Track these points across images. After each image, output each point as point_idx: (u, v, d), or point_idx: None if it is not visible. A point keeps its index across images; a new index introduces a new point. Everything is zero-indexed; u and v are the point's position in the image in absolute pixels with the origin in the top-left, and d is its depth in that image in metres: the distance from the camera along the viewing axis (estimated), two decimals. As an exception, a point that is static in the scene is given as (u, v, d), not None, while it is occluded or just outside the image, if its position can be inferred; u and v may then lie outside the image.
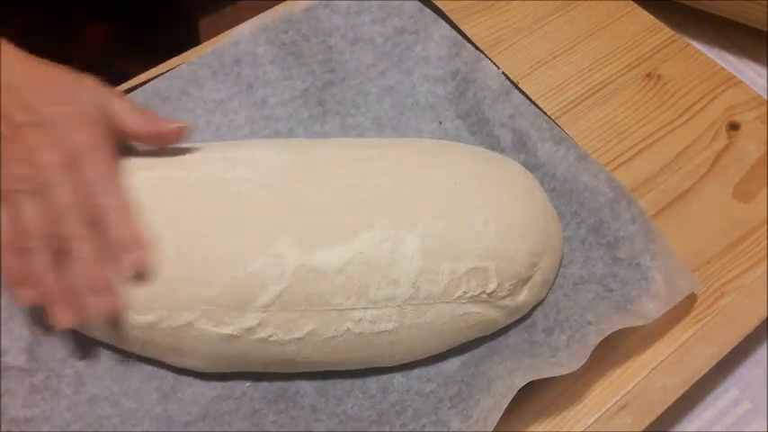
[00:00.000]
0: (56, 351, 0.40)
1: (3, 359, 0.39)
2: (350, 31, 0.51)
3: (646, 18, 0.55)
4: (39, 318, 0.40)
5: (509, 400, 0.36)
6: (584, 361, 0.37)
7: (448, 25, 0.51)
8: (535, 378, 0.36)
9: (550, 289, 0.42)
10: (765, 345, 0.44)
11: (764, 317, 0.41)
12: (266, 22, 0.50)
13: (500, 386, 0.37)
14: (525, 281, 0.39)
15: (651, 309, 0.39)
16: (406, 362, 0.39)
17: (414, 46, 0.51)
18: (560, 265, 0.42)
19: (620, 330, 0.41)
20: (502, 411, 0.36)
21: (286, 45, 0.50)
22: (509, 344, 0.40)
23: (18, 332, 0.40)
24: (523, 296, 0.39)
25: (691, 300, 0.42)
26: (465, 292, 0.38)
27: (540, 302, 0.41)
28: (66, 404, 0.38)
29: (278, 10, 0.51)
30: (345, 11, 0.51)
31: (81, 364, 0.40)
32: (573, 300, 0.41)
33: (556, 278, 0.42)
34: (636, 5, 0.56)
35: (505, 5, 0.55)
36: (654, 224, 0.42)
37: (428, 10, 0.51)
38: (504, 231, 0.39)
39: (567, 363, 0.37)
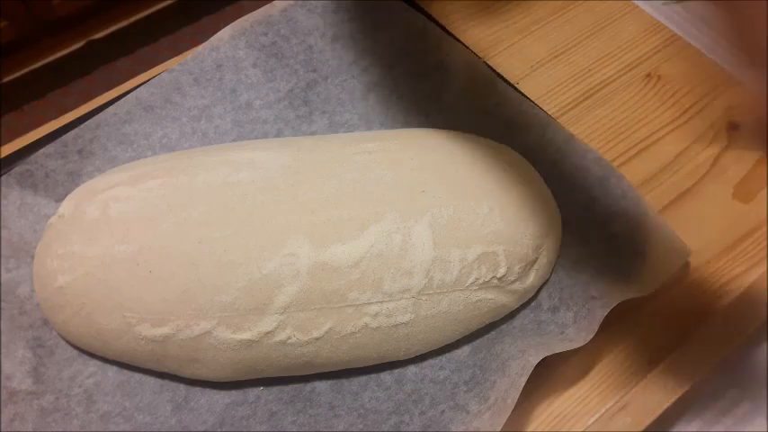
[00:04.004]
0: (61, 371, 0.39)
1: (8, 384, 0.38)
2: (328, 30, 0.51)
3: (646, 18, 0.55)
4: (41, 339, 0.40)
5: (525, 379, 0.37)
6: (593, 335, 0.38)
7: (426, 19, 0.51)
8: (548, 354, 0.37)
9: (553, 269, 0.43)
10: (765, 345, 0.44)
11: (764, 317, 0.42)
12: (244, 25, 0.50)
13: (514, 366, 0.38)
14: (532, 263, 0.40)
15: (650, 279, 0.41)
16: (420, 353, 0.40)
17: (394, 41, 0.51)
18: (560, 245, 0.43)
19: (619, 329, 0.41)
20: (520, 390, 0.37)
21: (266, 47, 0.50)
22: (517, 326, 0.41)
23: (21, 355, 0.39)
24: (531, 279, 0.40)
25: (690, 297, 0.43)
26: (477, 279, 0.38)
27: (544, 283, 0.42)
28: (78, 424, 0.38)
29: (255, 13, 0.51)
30: (322, 10, 0.51)
31: (89, 383, 0.39)
32: (574, 278, 0.42)
33: (558, 258, 0.43)
34: (636, 5, 0.56)
35: (505, 6, 0.55)
36: (644, 198, 0.43)
37: (405, 4, 0.52)
38: (508, 216, 0.40)
39: (576, 338, 0.39)
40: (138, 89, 0.48)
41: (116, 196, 0.40)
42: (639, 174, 0.47)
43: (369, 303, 0.37)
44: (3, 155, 0.46)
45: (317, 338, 0.37)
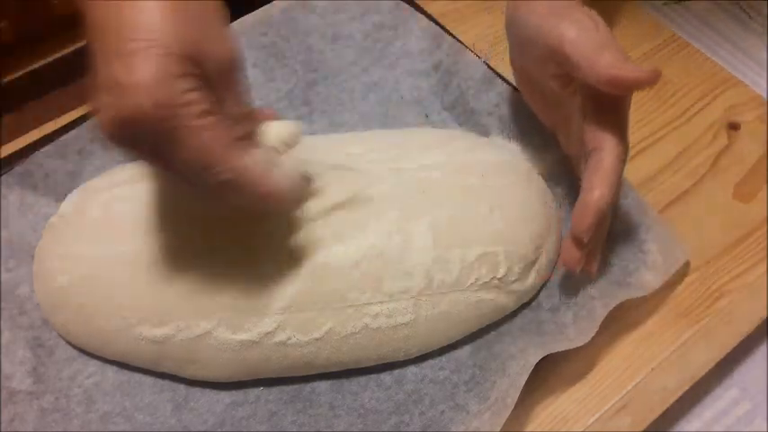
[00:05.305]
0: (61, 371, 0.39)
1: (8, 384, 0.38)
2: (329, 30, 0.51)
3: (646, 18, 0.55)
4: (41, 339, 0.40)
5: (525, 378, 0.37)
6: (593, 335, 0.38)
7: (426, 18, 0.51)
8: (548, 353, 0.38)
9: (554, 270, 0.43)
10: (765, 345, 0.44)
11: (764, 317, 0.42)
12: (244, 25, 0.50)
13: (514, 365, 0.38)
14: (532, 264, 0.40)
15: (650, 279, 0.41)
16: (420, 354, 0.40)
17: (394, 41, 0.51)
18: (560, 245, 0.43)
19: (620, 329, 0.41)
20: (519, 390, 0.37)
21: (266, 47, 0.50)
22: (517, 326, 0.41)
23: (21, 355, 0.39)
24: (531, 279, 0.40)
25: (690, 297, 0.43)
26: (477, 279, 0.38)
27: (545, 283, 0.42)
28: (78, 424, 0.38)
29: (255, 13, 0.51)
30: (322, 10, 0.52)
31: (89, 383, 0.39)
32: (574, 278, 0.42)
33: (558, 258, 0.42)
34: (636, 5, 0.56)
35: (505, 6, 0.55)
36: (644, 198, 0.44)
37: (405, 4, 0.52)
38: (508, 216, 0.40)
39: (576, 338, 0.39)
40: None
41: (116, 196, 0.40)
42: (639, 174, 0.47)
43: (369, 304, 0.37)
44: (3, 155, 0.46)
45: (317, 339, 0.37)
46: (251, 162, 0.31)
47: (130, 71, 0.27)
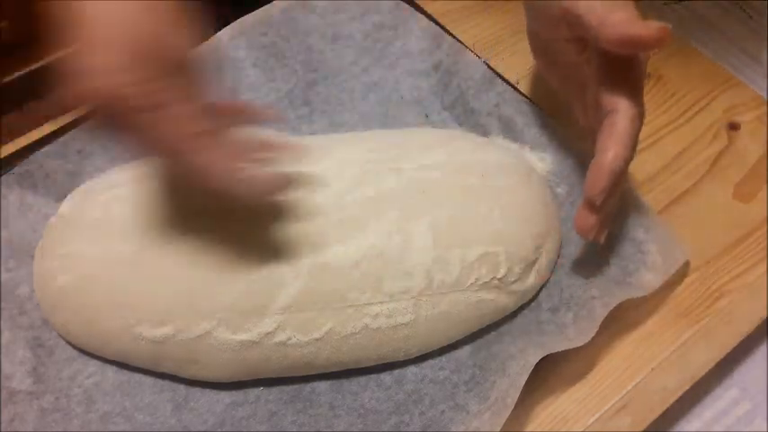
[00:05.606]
0: (61, 371, 0.39)
1: (8, 384, 0.38)
2: (329, 30, 0.51)
3: (646, 18, 0.55)
4: (41, 339, 0.40)
5: (525, 378, 0.37)
6: (593, 335, 0.38)
7: (426, 18, 0.51)
8: (547, 353, 0.38)
9: (554, 270, 0.42)
10: (765, 345, 0.44)
11: (764, 317, 0.42)
12: (244, 25, 0.50)
13: (514, 365, 0.38)
14: (532, 264, 0.40)
15: (650, 279, 0.41)
16: (420, 354, 0.40)
17: (394, 41, 0.51)
18: (560, 245, 0.43)
19: (620, 329, 0.41)
20: (519, 390, 0.37)
21: (266, 47, 0.50)
22: (517, 326, 0.41)
23: (21, 355, 0.39)
24: (531, 279, 0.40)
25: (690, 297, 0.43)
26: (477, 279, 0.38)
27: (545, 283, 0.42)
28: (78, 424, 0.38)
29: (255, 13, 0.51)
30: (322, 10, 0.52)
31: (89, 383, 0.39)
32: (574, 278, 0.42)
33: (558, 258, 0.43)
34: (636, 5, 0.55)
35: (505, 6, 0.55)
36: (644, 198, 0.44)
37: (405, 4, 0.52)
38: (508, 216, 0.40)
39: (576, 338, 0.39)
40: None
41: (116, 196, 0.40)
42: (639, 174, 0.47)
43: (369, 304, 0.37)
44: (3, 155, 0.46)
45: (317, 339, 0.37)
46: (210, 155, 0.32)
47: (93, 60, 0.30)
